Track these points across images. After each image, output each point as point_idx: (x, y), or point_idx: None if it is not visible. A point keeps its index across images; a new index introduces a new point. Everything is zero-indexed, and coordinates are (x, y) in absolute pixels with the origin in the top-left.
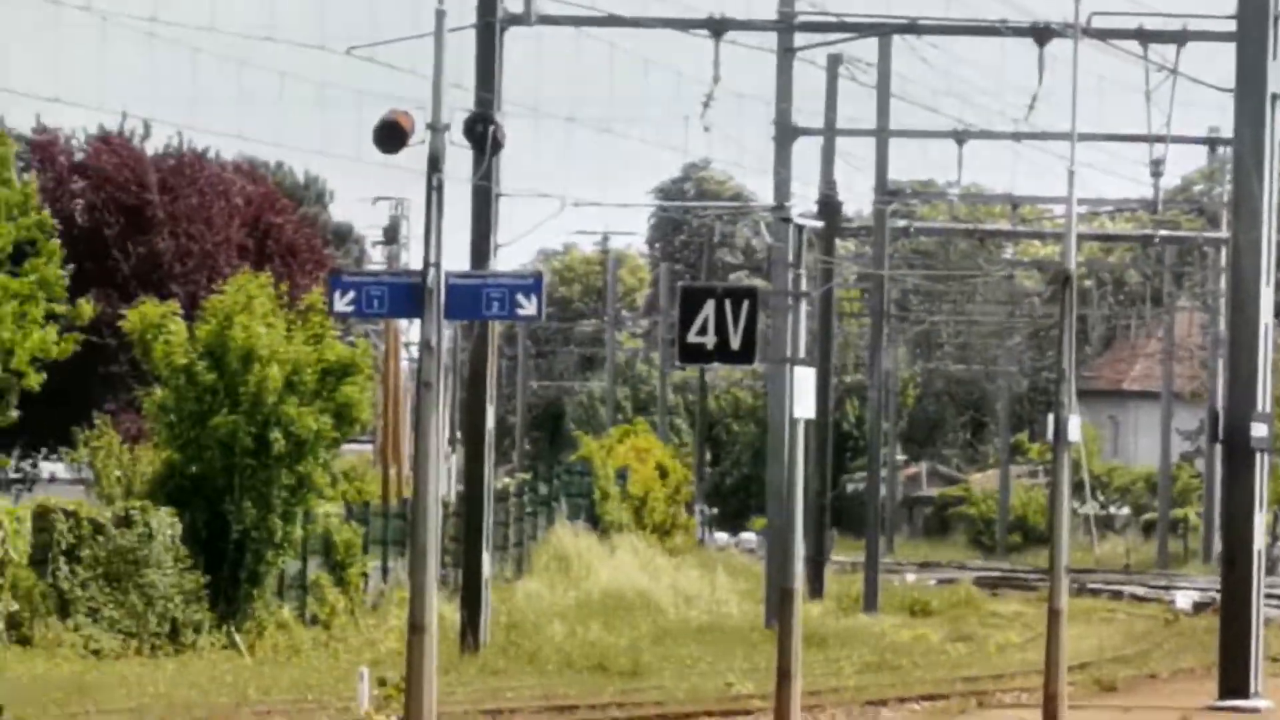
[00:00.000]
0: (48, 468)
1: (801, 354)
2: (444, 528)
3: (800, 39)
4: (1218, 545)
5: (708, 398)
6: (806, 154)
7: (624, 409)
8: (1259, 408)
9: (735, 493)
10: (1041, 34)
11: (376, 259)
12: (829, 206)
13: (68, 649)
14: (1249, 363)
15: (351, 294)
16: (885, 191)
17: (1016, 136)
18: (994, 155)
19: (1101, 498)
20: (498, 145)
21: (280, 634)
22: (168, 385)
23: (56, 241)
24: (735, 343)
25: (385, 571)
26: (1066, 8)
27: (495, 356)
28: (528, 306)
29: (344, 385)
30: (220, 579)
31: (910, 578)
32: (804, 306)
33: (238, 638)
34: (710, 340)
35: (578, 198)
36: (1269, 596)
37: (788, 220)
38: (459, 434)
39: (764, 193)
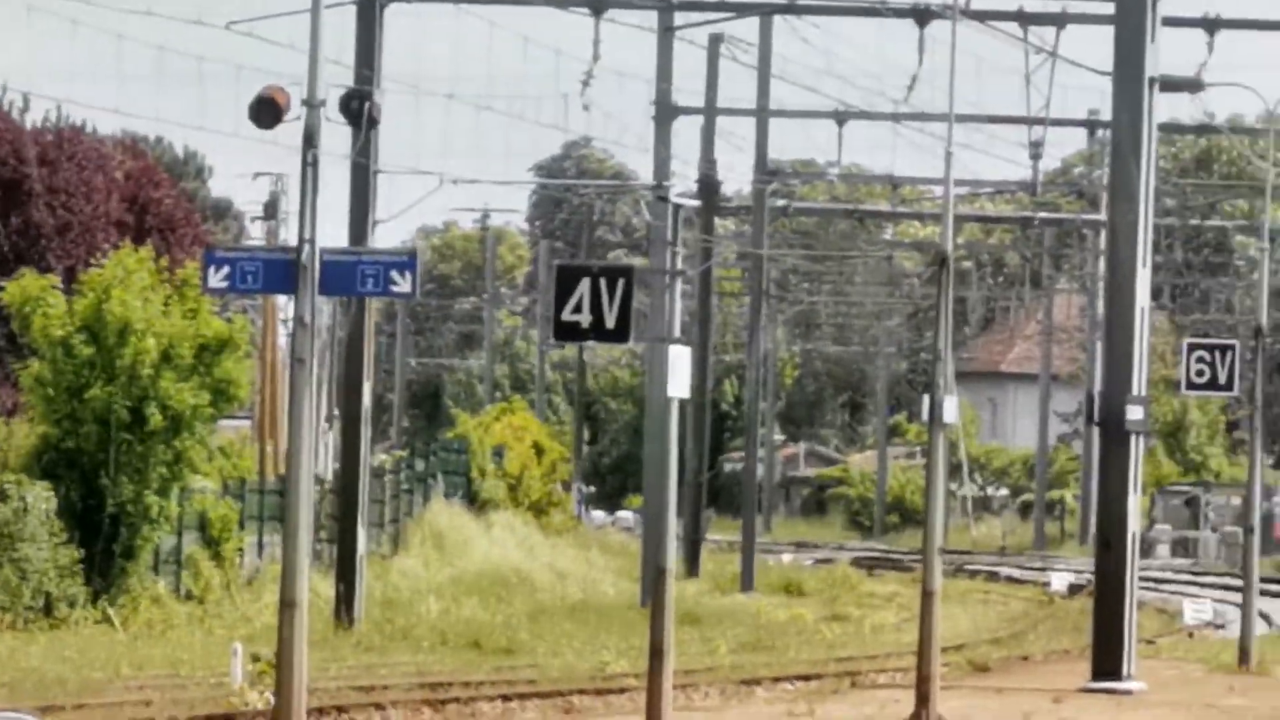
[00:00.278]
0: None
1: (678, 333)
2: (321, 504)
3: (680, 18)
4: (1094, 527)
5: (586, 376)
6: (687, 133)
7: (502, 386)
8: (1134, 390)
9: (613, 471)
10: (921, 15)
11: (256, 235)
12: (708, 185)
13: None
14: (1125, 345)
15: (226, 269)
16: (765, 171)
17: (896, 117)
18: (874, 136)
19: (979, 479)
20: (373, 121)
21: (155, 609)
22: (45, 359)
23: None
24: (610, 321)
25: (261, 547)
26: None
27: (373, 333)
28: (402, 284)
29: (221, 360)
30: (95, 553)
31: (787, 558)
32: (680, 285)
33: (112, 612)
34: (585, 319)
35: (457, 175)
36: (1142, 579)
37: (665, 199)
38: (336, 411)
39: (645, 171)
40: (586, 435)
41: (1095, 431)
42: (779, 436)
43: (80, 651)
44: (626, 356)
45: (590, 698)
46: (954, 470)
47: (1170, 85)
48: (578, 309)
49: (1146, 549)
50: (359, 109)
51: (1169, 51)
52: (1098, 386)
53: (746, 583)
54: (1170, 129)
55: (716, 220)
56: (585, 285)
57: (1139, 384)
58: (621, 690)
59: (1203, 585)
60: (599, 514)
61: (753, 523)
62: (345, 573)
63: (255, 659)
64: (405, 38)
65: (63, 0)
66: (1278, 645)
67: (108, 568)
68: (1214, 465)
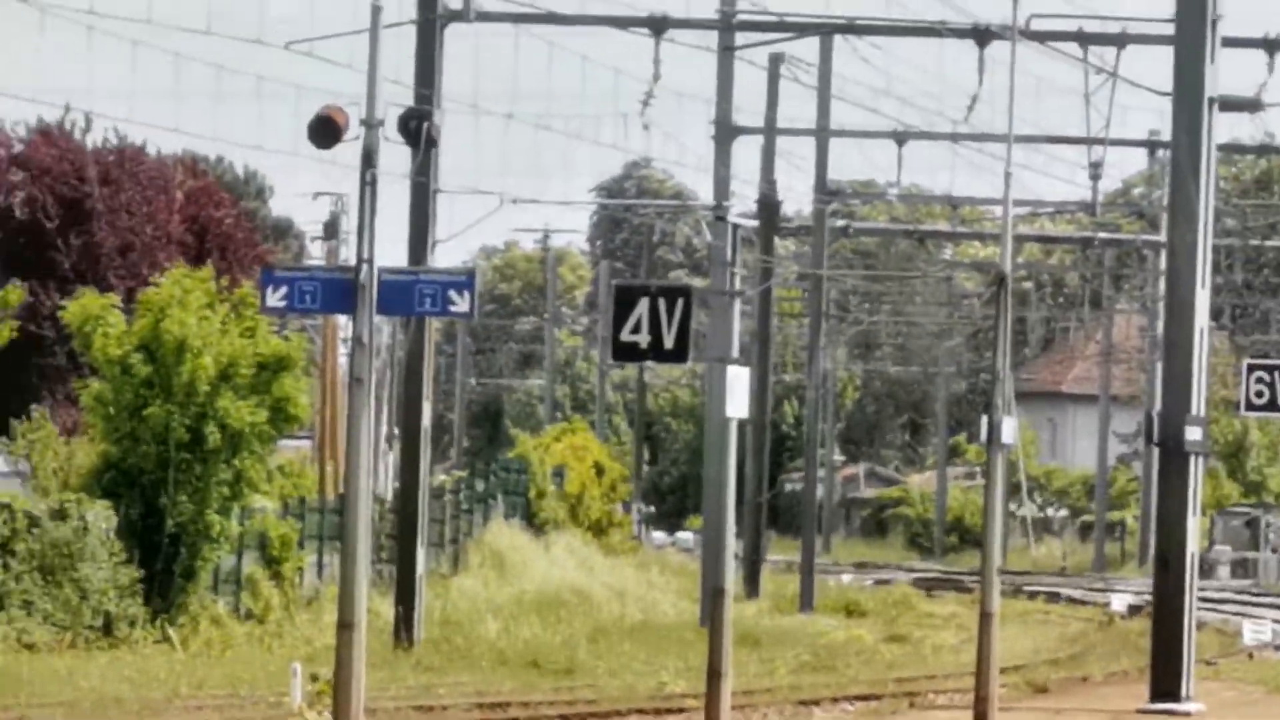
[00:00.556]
0: None
1: (737, 353)
2: (381, 524)
3: (740, 38)
4: (1154, 548)
5: (647, 396)
6: (747, 153)
7: (563, 407)
8: (1193, 411)
9: (673, 491)
10: (981, 35)
11: (316, 254)
12: (768, 206)
13: (0, 642)
14: (1184, 366)
15: (284, 289)
16: (825, 191)
17: (955, 138)
18: (934, 156)
19: (1039, 499)
20: (432, 141)
21: (214, 629)
22: (104, 378)
23: None
24: (669, 342)
25: (321, 567)
26: (1006, 10)
27: (433, 353)
28: (460, 303)
29: (279, 378)
30: (155, 573)
31: (846, 578)
32: (740, 306)
33: (171, 632)
34: (644, 339)
35: (517, 195)
36: (1202, 600)
37: (724, 219)
38: (397, 430)
39: (705, 191)
40: (646, 455)
41: (1155, 452)
42: (839, 457)
43: (140, 671)
44: (687, 376)
45: (649, 718)
46: (1014, 491)
47: (1230, 105)
48: (636, 329)
49: (1206, 570)
50: (417, 128)
51: (1229, 72)
52: (1157, 407)
53: (806, 603)
54: (1230, 149)
55: (776, 240)
56: (644, 305)
57: (1198, 405)
58: (680, 710)
59: (1263, 606)
60: (659, 534)
61: (812, 543)
62: (405, 593)
63: (314, 679)
64: (465, 57)
65: (123, 22)
66: None
67: (167, 587)
68: (1274, 486)
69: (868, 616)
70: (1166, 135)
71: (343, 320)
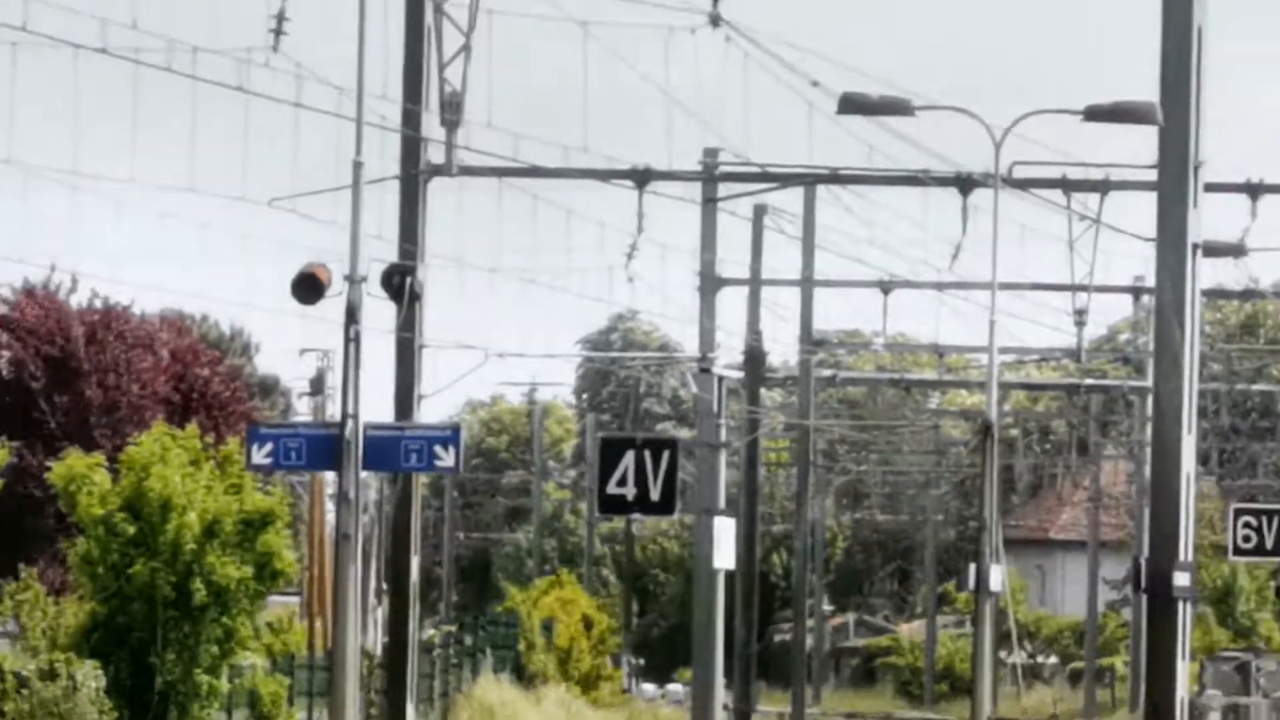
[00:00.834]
0: None
1: (723, 504)
2: (370, 679)
3: (724, 189)
4: (1144, 694)
5: (635, 548)
6: (732, 304)
7: (551, 560)
8: (1181, 556)
9: (663, 643)
10: (964, 184)
11: (303, 410)
12: (754, 357)
13: None
14: (1171, 511)
15: (269, 446)
16: (811, 341)
17: (940, 286)
18: (919, 304)
19: (1029, 647)
20: (415, 296)
21: None
22: (90, 537)
23: None
24: (655, 494)
25: None
26: (988, 157)
27: (420, 507)
28: (446, 458)
29: (263, 534)
30: None
31: None
32: (727, 456)
33: None
34: (631, 491)
35: (502, 349)
36: None
37: (710, 371)
38: (385, 585)
39: (691, 342)
40: (636, 607)
41: (1143, 598)
42: (828, 606)
43: None
44: (675, 528)
45: None
46: (1003, 638)
47: (1213, 251)
48: (623, 481)
49: (1198, 716)
50: (400, 284)
51: (1212, 217)
52: (1145, 553)
53: None
54: (1215, 294)
55: (763, 391)
56: (630, 458)
57: (1185, 550)
58: None
59: None
60: (649, 687)
61: (802, 694)
62: None
63: None
64: (448, 211)
65: (107, 181)
66: None
67: None
68: (1264, 631)
69: None
70: (1151, 281)
71: (330, 475)
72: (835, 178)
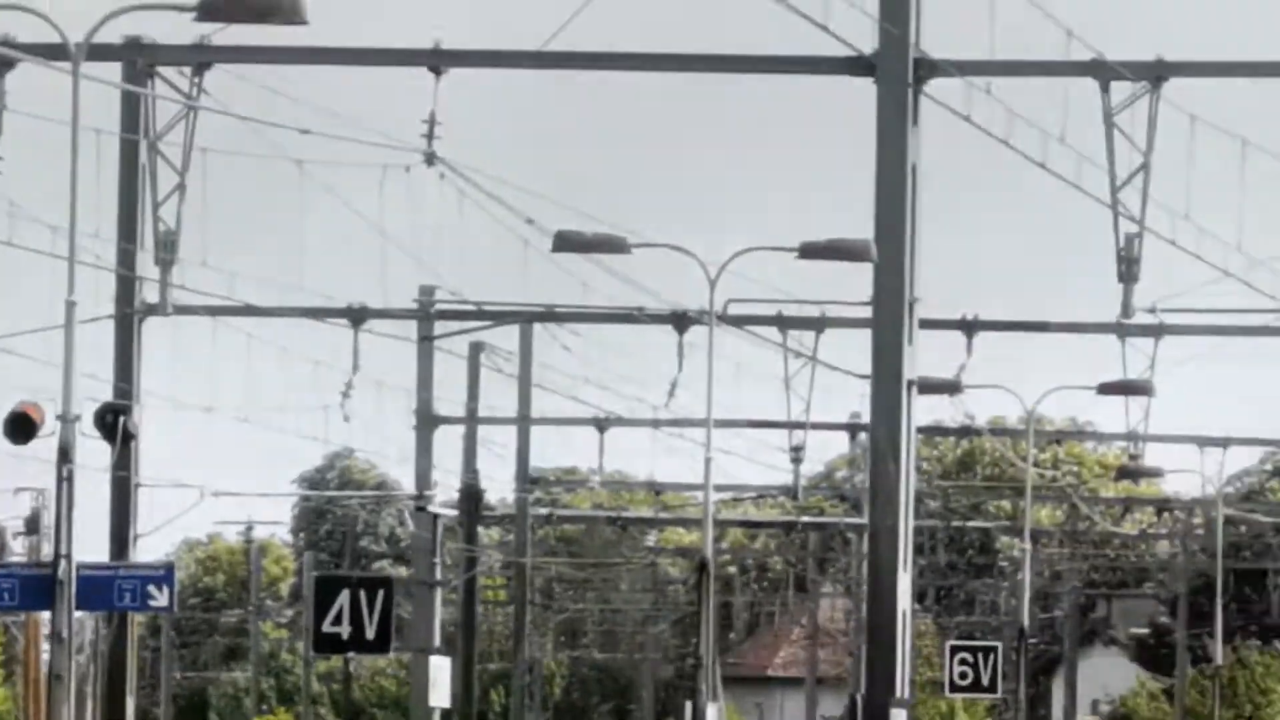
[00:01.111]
0: None
1: (438, 643)
2: None
3: (440, 327)
4: None
5: (353, 686)
6: (450, 442)
7: (269, 699)
8: (898, 693)
9: None
10: (680, 321)
11: (19, 550)
12: (471, 494)
13: None
14: (887, 648)
15: None
16: (528, 479)
17: (656, 424)
18: (636, 442)
19: None
20: (130, 435)
21: None
22: None
23: None
24: (370, 632)
25: None
26: (704, 295)
27: (136, 647)
28: (160, 597)
29: None
30: None
31: None
32: (441, 595)
33: None
34: (346, 630)
35: (218, 487)
36: None
37: (425, 510)
38: None
39: (408, 480)
40: None
41: None
42: None
43: None
44: (393, 666)
45: None
46: None
47: (929, 388)
48: (338, 620)
49: None
50: (114, 423)
51: (928, 353)
52: (862, 690)
53: None
54: (931, 431)
55: (481, 529)
56: (345, 596)
57: (902, 687)
58: None
59: None
60: None
61: None
62: None
63: None
64: (163, 350)
65: None
66: None
67: None
68: None
69: None
70: (867, 418)
71: (46, 615)
72: (551, 315)
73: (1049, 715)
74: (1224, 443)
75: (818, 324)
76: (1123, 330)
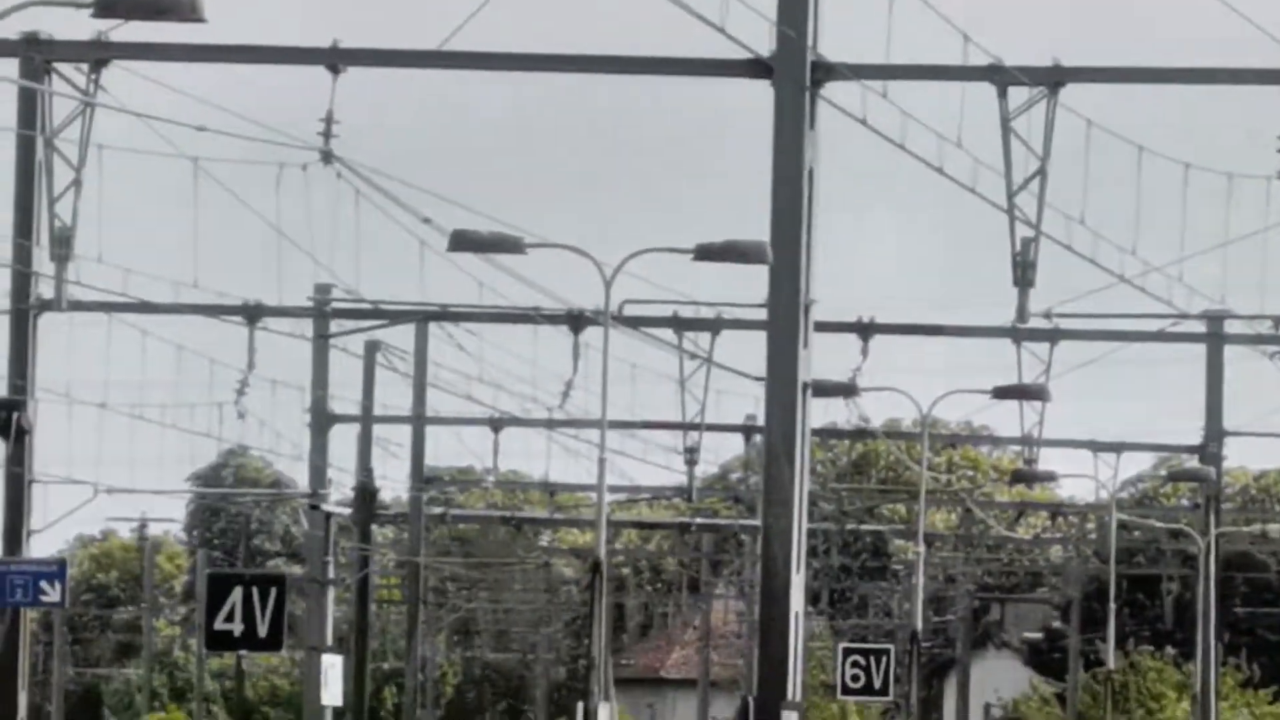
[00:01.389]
0: None
1: (331, 641)
2: None
3: (335, 325)
4: None
5: (246, 684)
6: (345, 440)
7: (161, 696)
8: (789, 695)
9: None
10: (575, 321)
11: None
12: (365, 493)
13: None
14: (779, 650)
15: None
16: (422, 478)
17: (551, 424)
18: (530, 442)
19: None
20: (24, 431)
21: None
22: None
23: None
24: (263, 630)
25: None
26: (599, 295)
27: (28, 643)
28: (51, 593)
29: None
30: None
31: None
32: (334, 593)
33: None
34: (238, 627)
35: (112, 484)
36: None
37: (318, 508)
38: None
39: (302, 479)
40: None
41: None
42: None
43: None
44: (286, 665)
45: None
46: None
47: (824, 390)
48: (230, 617)
49: None
50: (8, 419)
51: (824, 356)
52: (754, 692)
53: None
54: (826, 433)
55: (374, 527)
56: (238, 594)
57: (794, 690)
58: None
59: None
60: None
61: None
62: None
63: None
64: (59, 346)
65: None
66: None
67: None
68: None
69: None
70: (762, 420)
71: None
72: (447, 315)
73: (941, 718)
74: (1118, 448)
75: (713, 326)
76: (1018, 334)
